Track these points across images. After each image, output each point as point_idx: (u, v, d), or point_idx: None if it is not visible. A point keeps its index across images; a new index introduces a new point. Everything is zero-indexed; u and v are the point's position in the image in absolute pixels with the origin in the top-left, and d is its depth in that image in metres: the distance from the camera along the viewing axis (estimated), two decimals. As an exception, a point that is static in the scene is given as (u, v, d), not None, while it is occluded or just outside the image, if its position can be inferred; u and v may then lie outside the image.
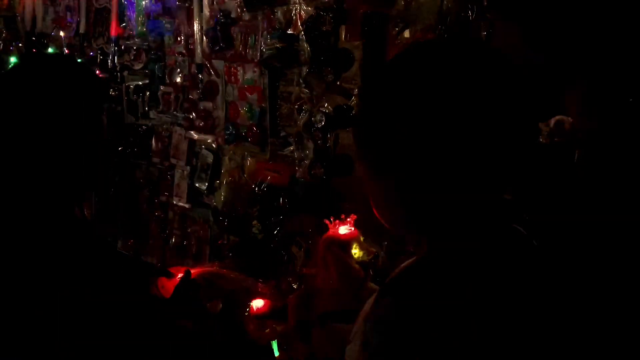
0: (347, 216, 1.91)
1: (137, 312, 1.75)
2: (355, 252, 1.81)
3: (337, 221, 1.94)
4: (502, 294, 1.06)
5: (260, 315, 2.13)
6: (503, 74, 1.10)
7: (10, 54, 4.06)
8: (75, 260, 1.64)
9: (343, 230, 1.89)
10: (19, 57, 3.58)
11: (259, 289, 2.19)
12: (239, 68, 2.74)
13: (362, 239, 1.84)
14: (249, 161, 2.81)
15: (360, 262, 1.82)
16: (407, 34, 1.99)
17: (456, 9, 1.77)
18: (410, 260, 1.18)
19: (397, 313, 1.04)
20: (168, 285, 2.26)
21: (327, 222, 1.95)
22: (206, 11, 2.81)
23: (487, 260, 1.09)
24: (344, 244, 1.85)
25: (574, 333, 1.05)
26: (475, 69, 1.08)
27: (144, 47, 3.26)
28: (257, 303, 2.18)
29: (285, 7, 2.49)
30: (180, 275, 2.22)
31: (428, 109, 1.06)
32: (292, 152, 2.60)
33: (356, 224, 1.95)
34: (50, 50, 3.73)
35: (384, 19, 2.09)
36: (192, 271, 2.21)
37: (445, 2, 1.83)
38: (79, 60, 3.18)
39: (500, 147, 1.08)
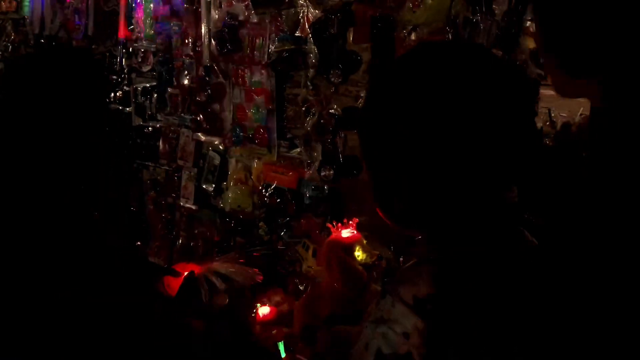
0: (353, 218, 1.93)
1: (142, 312, 1.76)
2: (359, 254, 1.83)
3: (340, 224, 1.96)
4: (500, 294, 1.06)
5: (266, 322, 2.15)
6: (503, 77, 1.11)
7: (18, 56, 4.08)
8: (81, 261, 1.65)
9: (346, 233, 1.90)
10: (26, 57, 3.60)
11: (259, 280, 2.20)
12: (246, 70, 2.76)
13: (365, 241, 1.86)
14: (255, 163, 2.82)
15: (364, 264, 1.84)
16: (415, 36, 2.00)
17: (465, 12, 1.78)
18: (412, 262, 1.19)
19: (397, 313, 1.05)
20: (174, 284, 2.27)
21: (329, 225, 1.96)
22: (214, 13, 2.83)
23: (486, 260, 1.09)
24: (347, 247, 1.86)
25: (573, 335, 1.05)
26: (475, 72, 1.09)
27: (152, 49, 3.27)
28: (263, 310, 2.20)
29: (292, 10, 2.50)
30: (186, 273, 2.23)
31: (429, 111, 1.07)
32: (299, 153, 2.62)
33: (362, 226, 1.96)
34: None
35: (392, 22, 2.10)
36: (197, 267, 2.22)
37: (454, 5, 1.84)
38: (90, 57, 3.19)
39: (500, 149, 1.09)
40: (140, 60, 3.33)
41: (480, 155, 1.06)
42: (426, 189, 1.08)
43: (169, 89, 3.19)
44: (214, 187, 3.00)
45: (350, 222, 1.90)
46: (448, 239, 1.12)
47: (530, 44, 1.77)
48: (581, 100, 1.94)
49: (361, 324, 1.23)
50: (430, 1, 1.89)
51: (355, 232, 1.88)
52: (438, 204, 1.09)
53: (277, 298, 2.32)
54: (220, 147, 2.97)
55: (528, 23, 1.75)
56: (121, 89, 3.45)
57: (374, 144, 1.14)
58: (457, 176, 1.06)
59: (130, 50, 3.39)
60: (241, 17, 2.73)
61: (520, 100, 1.10)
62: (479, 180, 1.07)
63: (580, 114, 1.97)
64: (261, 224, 2.76)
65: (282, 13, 2.52)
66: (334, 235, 1.90)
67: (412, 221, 1.15)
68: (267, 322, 2.15)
